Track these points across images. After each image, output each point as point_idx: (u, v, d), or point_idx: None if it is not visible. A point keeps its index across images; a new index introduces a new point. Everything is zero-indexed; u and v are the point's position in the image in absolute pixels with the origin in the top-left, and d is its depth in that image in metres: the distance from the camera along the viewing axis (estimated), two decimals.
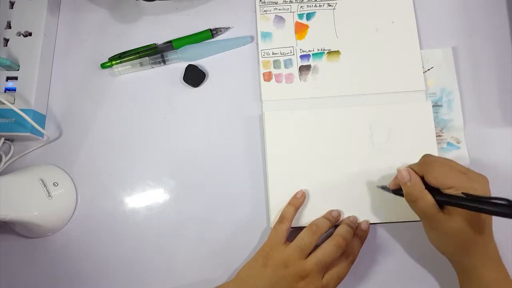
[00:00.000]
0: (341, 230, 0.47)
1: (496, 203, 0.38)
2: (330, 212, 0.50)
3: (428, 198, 0.42)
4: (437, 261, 0.49)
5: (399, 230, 0.50)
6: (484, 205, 0.38)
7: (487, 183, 0.42)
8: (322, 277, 0.45)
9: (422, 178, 0.43)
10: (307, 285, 0.44)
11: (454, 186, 0.41)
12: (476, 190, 0.40)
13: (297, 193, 0.50)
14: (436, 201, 0.42)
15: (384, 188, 0.48)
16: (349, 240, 0.46)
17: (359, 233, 0.49)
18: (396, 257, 0.50)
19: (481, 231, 0.42)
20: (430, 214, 0.42)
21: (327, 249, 0.45)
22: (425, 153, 0.46)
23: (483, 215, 0.41)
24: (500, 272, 0.43)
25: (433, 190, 0.43)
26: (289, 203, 0.50)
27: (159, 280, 0.50)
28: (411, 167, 0.45)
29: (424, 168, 0.43)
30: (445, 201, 0.42)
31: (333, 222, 0.49)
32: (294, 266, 0.44)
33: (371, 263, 0.50)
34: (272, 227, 0.49)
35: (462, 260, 0.43)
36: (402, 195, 0.44)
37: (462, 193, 0.40)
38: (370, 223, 0.50)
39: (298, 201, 0.50)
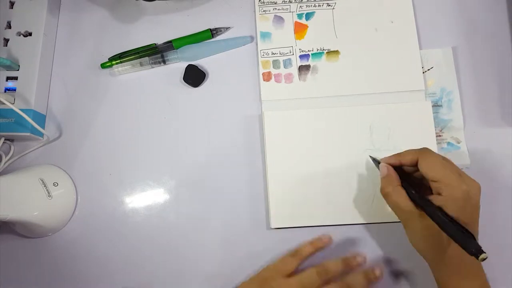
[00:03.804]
0: (353, 279, 0.44)
1: (460, 229, 0.38)
2: (354, 256, 0.45)
3: (401, 193, 0.42)
4: None
5: (399, 230, 0.50)
6: (448, 226, 0.39)
7: (479, 190, 0.41)
8: None
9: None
10: None
11: (441, 180, 0.40)
12: (463, 191, 0.40)
13: (323, 236, 0.47)
14: (410, 197, 0.42)
15: (374, 160, 0.49)
16: None
17: (369, 275, 0.45)
18: (399, 257, 0.50)
19: None
20: (403, 208, 0.42)
21: None
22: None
23: (464, 219, 0.40)
24: (480, 282, 0.41)
25: (416, 187, 0.43)
26: (311, 243, 0.47)
27: (159, 280, 0.50)
28: (408, 151, 0.45)
29: (421, 154, 0.43)
30: (415, 201, 0.42)
31: (352, 266, 0.45)
32: None
33: (367, 261, 0.50)
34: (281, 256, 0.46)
35: (437, 265, 0.42)
36: None
37: (438, 206, 0.40)
38: (369, 223, 0.50)
39: (321, 244, 0.47)
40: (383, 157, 0.47)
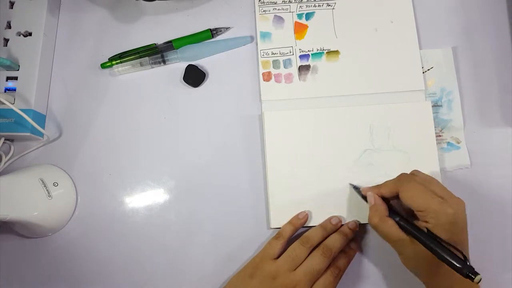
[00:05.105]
0: (330, 239, 0.47)
1: (452, 254, 0.38)
2: (330, 219, 0.49)
3: (389, 224, 0.42)
4: None
5: None
6: (439, 249, 0.39)
7: (463, 208, 0.42)
8: None
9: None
10: None
11: (425, 210, 0.41)
12: (448, 215, 0.40)
13: (300, 213, 0.49)
14: (399, 225, 0.42)
15: (356, 188, 0.49)
16: (338, 249, 0.46)
17: (346, 250, 0.48)
18: (394, 257, 0.50)
19: None
20: (392, 238, 0.42)
21: (315, 259, 0.45)
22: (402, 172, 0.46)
23: (453, 241, 0.40)
24: None
25: (404, 211, 0.43)
26: (290, 222, 0.49)
27: (159, 280, 0.50)
28: (387, 183, 0.45)
29: (399, 185, 0.44)
30: (405, 229, 0.42)
31: (331, 230, 0.48)
32: (283, 278, 0.44)
33: (371, 262, 0.50)
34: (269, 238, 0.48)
35: (433, 285, 0.42)
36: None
37: (427, 229, 0.40)
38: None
39: (299, 222, 0.49)
40: (364, 186, 0.48)
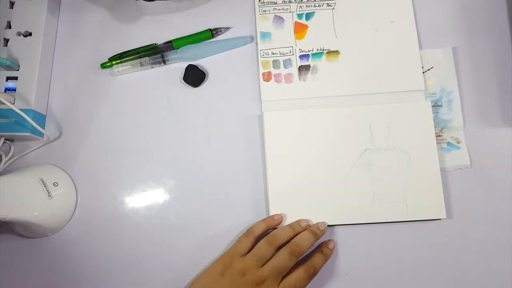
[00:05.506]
0: (298, 237, 0.47)
1: None
2: (298, 221, 0.49)
3: None
4: (437, 262, 0.49)
5: (398, 230, 0.50)
6: None
7: None
8: (278, 284, 0.45)
9: None
10: None
11: None
12: None
13: (275, 215, 0.50)
14: None
15: None
16: (306, 248, 0.47)
17: (323, 249, 0.49)
18: (393, 257, 0.50)
19: None
20: None
21: (282, 256, 0.46)
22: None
23: None
24: None
25: None
26: (263, 220, 0.50)
27: (158, 280, 0.50)
28: None
29: None
30: None
31: (299, 231, 0.48)
32: (251, 274, 0.45)
33: (367, 261, 0.50)
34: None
35: None
36: None
37: None
38: (369, 223, 0.50)
39: (273, 223, 0.49)
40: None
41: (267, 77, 0.55)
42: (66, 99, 0.56)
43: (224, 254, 0.48)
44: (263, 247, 0.47)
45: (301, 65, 0.55)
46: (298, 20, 0.56)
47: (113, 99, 0.56)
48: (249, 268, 0.45)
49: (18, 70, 0.54)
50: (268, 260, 0.46)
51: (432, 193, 0.50)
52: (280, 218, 0.50)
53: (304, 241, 0.47)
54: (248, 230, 0.49)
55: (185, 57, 0.56)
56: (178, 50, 0.56)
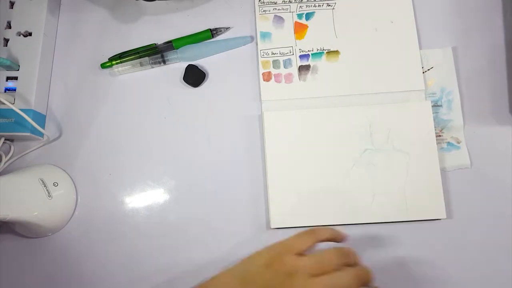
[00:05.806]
0: (367, 270, 0.40)
1: None
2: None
3: None
4: (437, 262, 0.49)
5: (398, 230, 0.50)
6: None
7: None
8: None
9: None
10: None
11: None
12: None
13: (342, 232, 0.43)
14: None
15: None
16: (370, 280, 0.39)
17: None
18: (393, 257, 0.50)
19: None
20: None
21: (345, 277, 0.38)
22: None
23: None
24: None
25: None
26: (332, 229, 0.43)
27: (158, 281, 0.50)
28: None
29: None
30: None
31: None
32: (302, 279, 0.38)
33: (367, 261, 0.50)
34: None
35: None
36: None
37: None
38: (369, 223, 0.50)
39: (339, 236, 0.43)
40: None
41: (267, 77, 0.55)
42: (66, 99, 0.56)
43: (276, 244, 0.41)
44: (333, 256, 0.39)
45: (301, 65, 0.55)
46: (298, 20, 0.56)
47: (113, 99, 0.56)
48: (302, 272, 0.38)
49: (18, 70, 0.54)
50: (326, 273, 0.38)
51: (432, 193, 0.50)
52: (345, 236, 0.43)
53: (368, 275, 0.40)
54: (312, 229, 0.42)
55: (185, 57, 0.56)
56: (178, 50, 0.56)
